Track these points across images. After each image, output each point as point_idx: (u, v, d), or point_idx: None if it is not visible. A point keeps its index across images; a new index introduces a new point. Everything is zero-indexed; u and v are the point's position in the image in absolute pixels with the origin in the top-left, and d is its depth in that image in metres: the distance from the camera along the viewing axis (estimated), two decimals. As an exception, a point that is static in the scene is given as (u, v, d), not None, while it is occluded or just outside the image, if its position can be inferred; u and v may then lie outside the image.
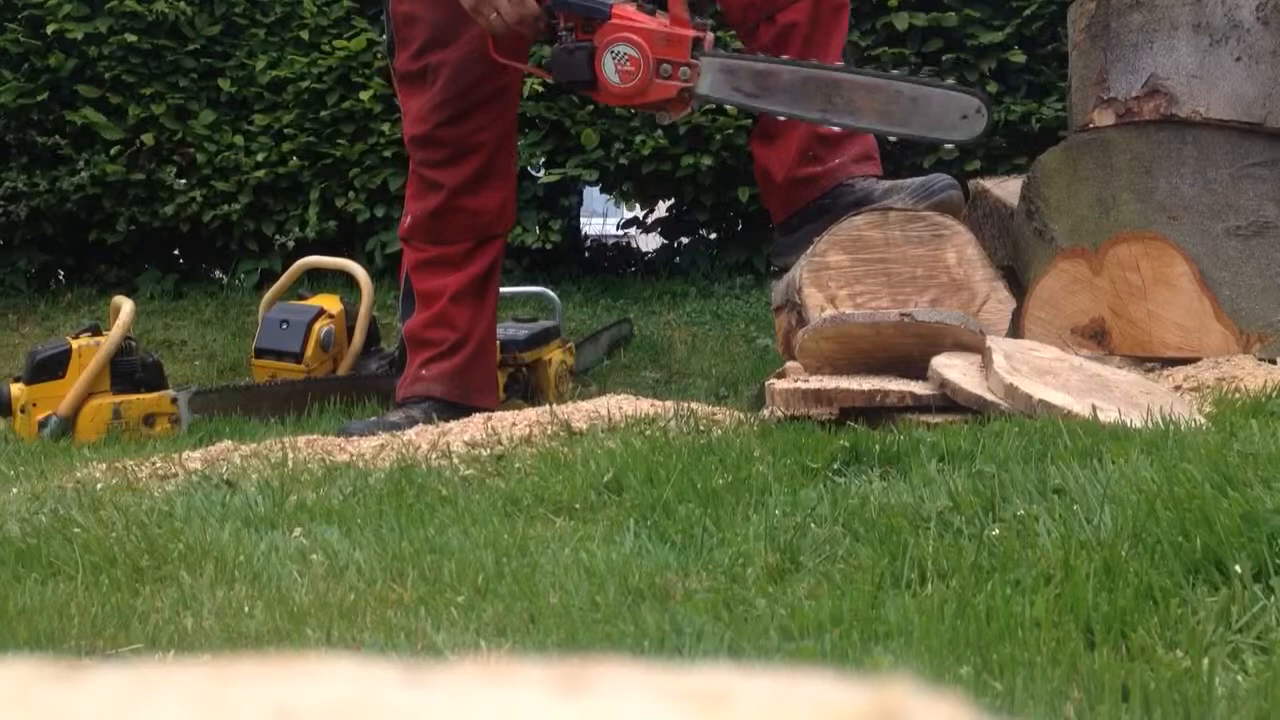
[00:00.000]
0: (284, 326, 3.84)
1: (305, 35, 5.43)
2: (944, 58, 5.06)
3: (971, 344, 2.50)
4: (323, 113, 5.37)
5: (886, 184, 3.08)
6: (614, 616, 1.47)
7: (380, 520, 1.98)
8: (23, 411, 3.25)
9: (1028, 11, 5.03)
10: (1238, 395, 2.34)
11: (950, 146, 2.88)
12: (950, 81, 2.88)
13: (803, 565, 1.62)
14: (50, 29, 5.39)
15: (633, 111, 5.17)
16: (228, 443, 2.69)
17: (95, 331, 3.34)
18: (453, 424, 2.70)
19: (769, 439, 2.23)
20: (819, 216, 3.04)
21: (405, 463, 2.38)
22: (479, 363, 3.17)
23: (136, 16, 5.41)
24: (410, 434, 2.67)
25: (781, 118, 2.89)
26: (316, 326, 3.82)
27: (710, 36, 2.83)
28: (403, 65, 3.08)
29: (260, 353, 3.87)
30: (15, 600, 1.72)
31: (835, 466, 2.01)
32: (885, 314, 2.59)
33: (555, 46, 2.81)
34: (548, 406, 2.76)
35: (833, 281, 2.88)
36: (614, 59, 2.76)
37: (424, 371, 3.09)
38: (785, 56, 2.87)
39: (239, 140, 5.47)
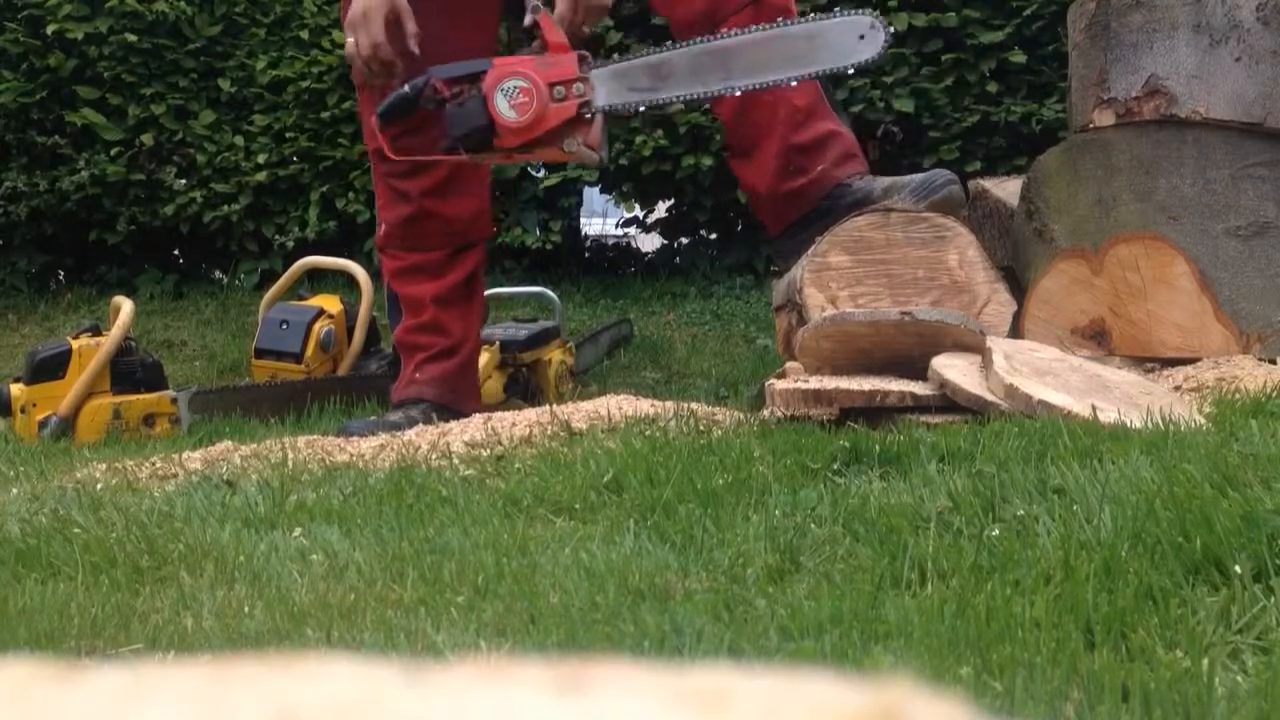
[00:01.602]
0: (284, 326, 3.84)
1: (305, 35, 5.43)
2: (944, 58, 5.06)
3: (971, 344, 2.50)
4: (323, 113, 5.38)
5: (886, 182, 3.07)
6: (614, 616, 1.47)
7: (380, 520, 1.98)
8: (23, 411, 3.25)
9: (1028, 11, 5.03)
10: (1238, 395, 2.34)
11: (853, 71, 2.85)
12: (839, 10, 2.87)
13: (803, 565, 1.62)
14: (50, 29, 5.39)
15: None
16: (228, 443, 2.69)
17: (95, 331, 3.34)
18: (453, 424, 2.70)
19: (769, 439, 2.23)
20: (821, 219, 3.03)
21: (405, 463, 2.38)
22: (470, 369, 3.19)
23: (136, 16, 5.41)
24: (410, 434, 2.67)
25: (689, 101, 2.87)
26: (316, 326, 3.82)
27: (589, 57, 2.80)
28: (358, 75, 3.07)
29: (260, 353, 3.87)
30: (15, 600, 1.72)
31: (835, 466, 2.01)
32: (885, 312, 2.59)
33: (447, 107, 2.78)
34: (548, 406, 2.76)
35: (834, 282, 2.88)
36: (505, 95, 2.73)
37: (418, 375, 3.09)
38: (669, 43, 2.85)
39: (239, 141, 5.47)
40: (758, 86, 2.83)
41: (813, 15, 2.85)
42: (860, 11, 2.81)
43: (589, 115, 2.77)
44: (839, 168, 3.06)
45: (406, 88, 2.82)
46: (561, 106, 2.74)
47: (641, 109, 2.92)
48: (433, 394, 3.06)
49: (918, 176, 3.05)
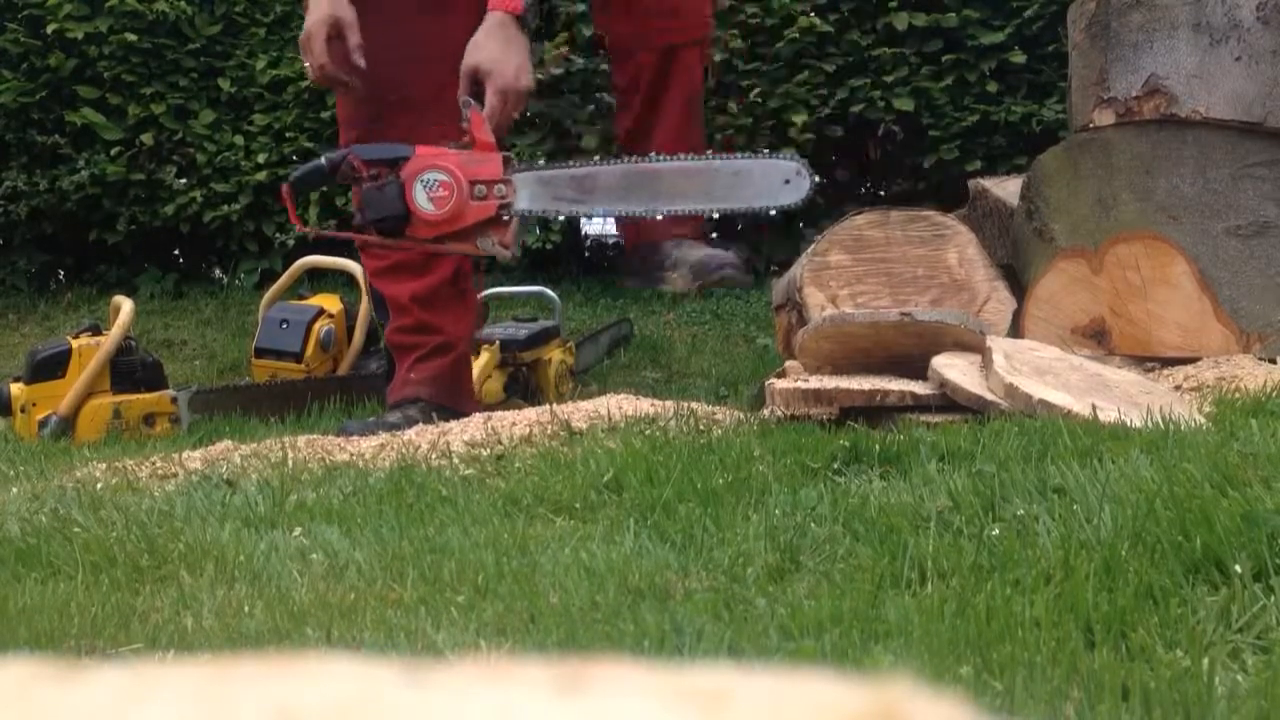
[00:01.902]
0: (284, 326, 3.84)
1: (305, 35, 5.43)
2: (944, 58, 5.06)
3: (971, 343, 2.50)
4: (323, 113, 5.37)
5: (676, 254, 3.12)
6: (614, 616, 1.47)
7: (380, 520, 1.98)
8: (23, 411, 3.25)
9: (1028, 11, 5.03)
10: (1238, 395, 2.34)
11: (774, 213, 2.93)
12: (766, 151, 2.93)
13: (803, 565, 1.62)
14: (50, 29, 5.39)
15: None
16: (228, 443, 2.69)
17: (95, 331, 3.34)
18: (453, 424, 2.70)
19: (769, 439, 2.23)
20: (642, 262, 3.14)
21: (405, 463, 2.38)
22: (464, 367, 3.18)
23: (137, 16, 5.41)
24: (410, 434, 2.67)
25: (608, 217, 2.91)
26: (316, 326, 3.82)
27: (514, 159, 2.83)
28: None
29: (260, 352, 3.87)
30: (15, 600, 1.72)
31: (835, 466, 2.01)
32: (885, 313, 2.59)
33: (364, 185, 2.79)
34: (548, 406, 2.76)
35: (833, 281, 2.89)
36: (425, 187, 2.73)
37: (412, 374, 3.09)
38: (597, 158, 2.92)
39: (239, 140, 5.47)
40: (679, 214, 2.88)
41: (743, 154, 2.90)
42: (788, 156, 2.87)
43: (507, 218, 2.77)
44: (674, 224, 3.12)
45: (323, 160, 2.85)
46: (481, 206, 2.75)
47: (560, 218, 2.94)
48: (428, 393, 3.05)
49: (702, 253, 3.10)
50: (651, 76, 3.12)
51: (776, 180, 2.81)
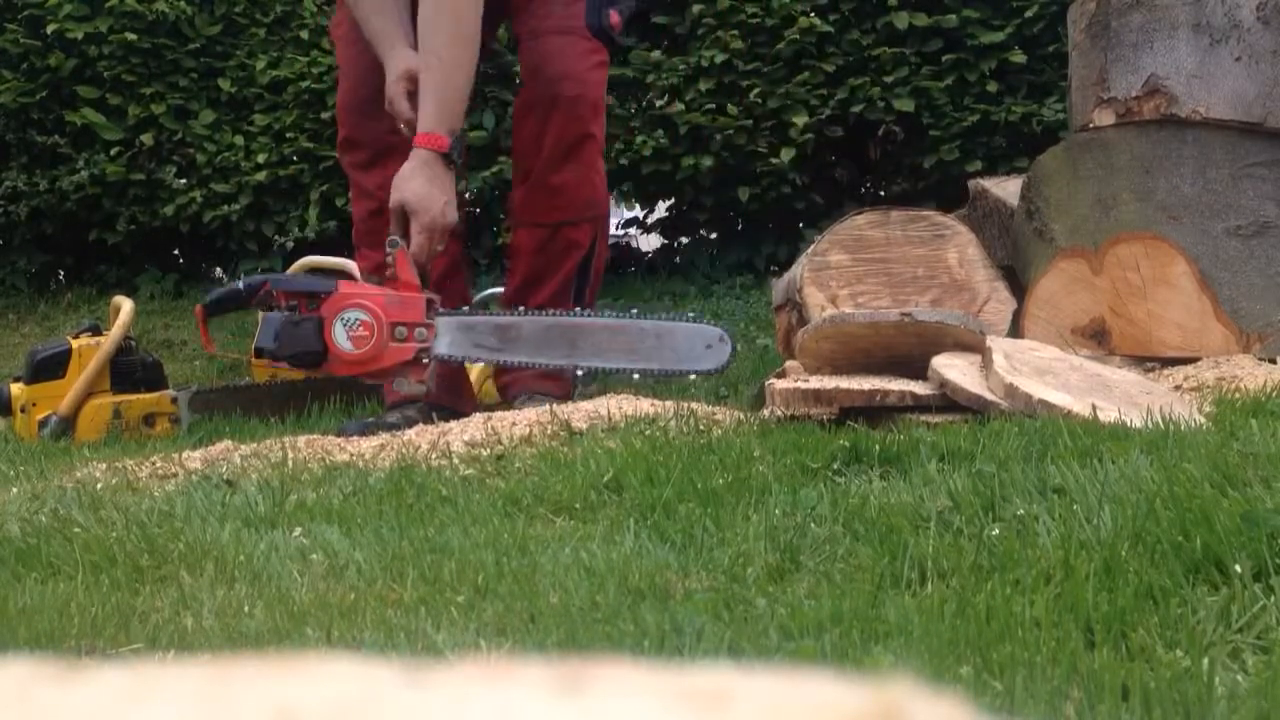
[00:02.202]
0: (284, 326, 3.84)
1: (305, 35, 5.44)
2: (944, 58, 5.07)
3: (971, 343, 2.50)
4: (323, 113, 5.38)
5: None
6: (614, 616, 1.47)
7: (380, 520, 1.98)
8: (23, 411, 3.25)
9: (1028, 12, 5.03)
10: (1238, 395, 2.34)
11: (695, 377, 2.95)
12: (691, 315, 2.95)
13: (803, 565, 1.62)
14: (50, 29, 5.39)
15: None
16: (228, 443, 2.70)
17: (95, 331, 3.34)
18: (453, 424, 2.71)
19: (769, 439, 2.23)
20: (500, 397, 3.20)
21: (405, 463, 2.38)
22: (459, 367, 3.18)
23: (136, 16, 5.41)
24: (410, 434, 2.67)
25: (528, 366, 2.92)
26: (316, 326, 3.82)
27: (437, 302, 2.84)
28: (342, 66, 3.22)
29: (260, 353, 3.87)
30: (15, 600, 1.72)
31: (835, 466, 2.01)
32: (885, 313, 2.59)
33: (281, 318, 2.79)
34: (548, 406, 2.76)
35: (834, 281, 2.89)
36: (345, 326, 2.74)
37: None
38: (522, 309, 2.93)
39: (239, 140, 5.47)
40: (598, 370, 2.90)
41: (667, 316, 2.91)
42: (713, 324, 2.89)
43: (425, 360, 2.79)
44: (534, 380, 3.15)
45: (240, 285, 2.87)
46: (400, 348, 2.76)
47: (479, 364, 2.97)
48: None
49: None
50: (533, 250, 3.16)
51: (699, 345, 2.83)
